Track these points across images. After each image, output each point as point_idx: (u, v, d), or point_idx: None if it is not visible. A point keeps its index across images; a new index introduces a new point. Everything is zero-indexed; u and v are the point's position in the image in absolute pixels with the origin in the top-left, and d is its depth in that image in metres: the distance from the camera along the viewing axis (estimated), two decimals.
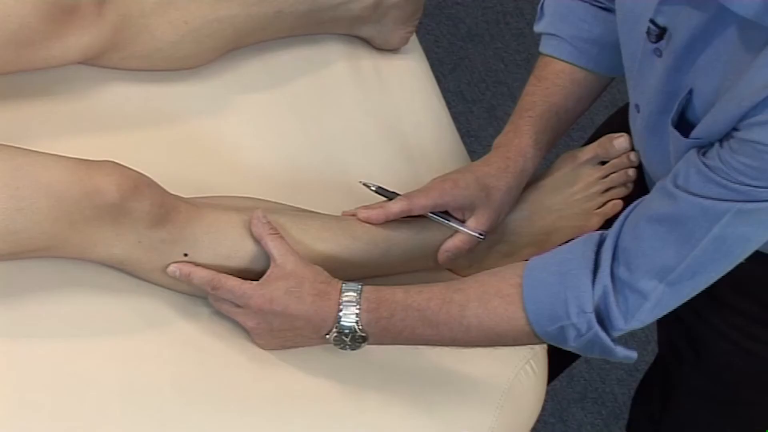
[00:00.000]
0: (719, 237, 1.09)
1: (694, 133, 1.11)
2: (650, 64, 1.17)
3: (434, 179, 1.35)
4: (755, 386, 1.43)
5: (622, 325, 1.16)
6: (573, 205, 1.39)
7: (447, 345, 1.25)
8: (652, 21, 1.14)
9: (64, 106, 1.39)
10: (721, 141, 1.08)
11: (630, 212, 1.17)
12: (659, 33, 1.14)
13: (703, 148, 1.11)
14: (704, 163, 1.08)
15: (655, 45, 1.15)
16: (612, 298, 1.15)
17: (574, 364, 2.08)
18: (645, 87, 1.20)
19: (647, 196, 1.17)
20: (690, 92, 1.12)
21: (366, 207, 1.34)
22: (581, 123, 2.47)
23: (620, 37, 1.25)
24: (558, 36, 1.37)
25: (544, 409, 1.40)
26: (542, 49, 1.40)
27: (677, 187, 1.11)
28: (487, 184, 1.33)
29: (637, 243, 1.14)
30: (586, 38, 1.36)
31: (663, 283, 1.13)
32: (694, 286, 1.15)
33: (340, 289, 1.24)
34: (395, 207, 1.33)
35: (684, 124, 1.14)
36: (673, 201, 1.11)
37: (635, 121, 1.27)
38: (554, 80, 1.37)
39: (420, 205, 1.32)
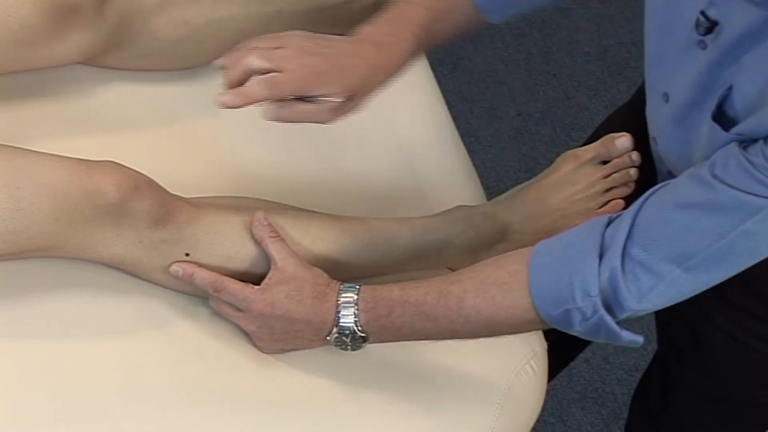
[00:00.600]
0: (749, 232, 1.09)
1: (737, 129, 1.10)
2: (692, 56, 1.16)
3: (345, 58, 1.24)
4: (756, 385, 1.43)
5: (635, 305, 1.15)
6: (575, 204, 1.39)
7: (448, 338, 1.25)
8: (702, 13, 1.12)
9: (64, 106, 1.39)
10: (765, 138, 1.07)
11: (651, 195, 1.16)
12: (709, 26, 1.12)
13: (744, 142, 1.10)
14: (747, 159, 1.07)
15: (701, 37, 1.14)
16: (621, 279, 1.14)
17: (573, 364, 2.08)
18: (680, 77, 1.19)
19: (675, 181, 1.15)
20: (730, 88, 1.11)
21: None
22: (581, 122, 2.49)
23: (654, 24, 1.23)
24: None
25: (544, 409, 1.40)
26: None
27: (714, 177, 1.09)
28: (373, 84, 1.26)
29: (660, 226, 1.13)
30: None
31: (681, 268, 1.13)
32: (711, 277, 1.14)
33: (338, 291, 1.24)
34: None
35: (721, 118, 1.13)
36: (708, 190, 1.10)
37: (660, 110, 1.26)
38: (451, 7, 1.31)
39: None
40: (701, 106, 1.15)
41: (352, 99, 1.23)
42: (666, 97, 1.23)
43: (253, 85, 1.20)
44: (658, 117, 1.28)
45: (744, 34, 1.09)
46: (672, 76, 1.21)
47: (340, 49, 1.24)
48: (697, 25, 1.13)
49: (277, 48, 1.22)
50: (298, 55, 1.21)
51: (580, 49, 2.58)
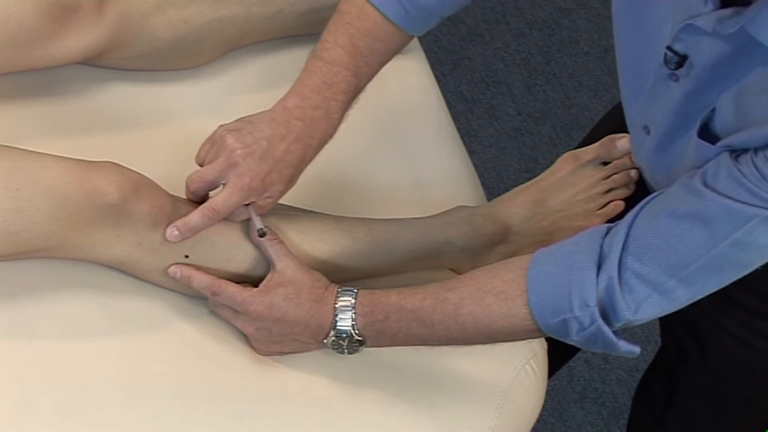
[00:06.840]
0: (740, 242, 1.09)
1: (725, 142, 1.10)
2: (664, 89, 1.16)
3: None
4: (761, 383, 1.43)
5: (631, 315, 1.15)
6: (575, 205, 1.39)
7: (444, 344, 1.25)
8: (669, 48, 1.12)
9: (64, 106, 1.39)
10: (755, 149, 1.07)
11: (645, 204, 1.16)
12: (679, 60, 1.12)
13: (735, 151, 1.10)
14: (737, 168, 1.07)
15: (671, 71, 1.14)
16: (617, 289, 1.14)
17: (574, 364, 2.08)
18: (657, 110, 1.19)
19: (668, 191, 1.15)
20: (712, 110, 1.11)
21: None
22: (581, 122, 2.49)
23: (625, 60, 1.23)
24: None
25: (544, 409, 1.40)
26: None
27: (706, 185, 1.10)
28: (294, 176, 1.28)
29: (653, 236, 1.13)
30: (420, 4, 1.31)
31: (674, 278, 1.13)
32: (705, 287, 1.14)
33: (336, 294, 1.24)
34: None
35: (707, 134, 1.13)
36: (699, 199, 1.10)
37: (642, 142, 1.26)
38: (373, 47, 1.30)
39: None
40: (683, 132, 1.16)
41: (290, 182, 1.27)
42: (646, 129, 1.24)
43: (197, 215, 1.23)
44: (641, 149, 1.28)
45: (716, 64, 1.09)
46: (649, 110, 1.21)
47: (271, 138, 1.24)
48: (666, 60, 1.13)
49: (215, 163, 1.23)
50: (238, 162, 1.22)
51: (580, 49, 2.59)
